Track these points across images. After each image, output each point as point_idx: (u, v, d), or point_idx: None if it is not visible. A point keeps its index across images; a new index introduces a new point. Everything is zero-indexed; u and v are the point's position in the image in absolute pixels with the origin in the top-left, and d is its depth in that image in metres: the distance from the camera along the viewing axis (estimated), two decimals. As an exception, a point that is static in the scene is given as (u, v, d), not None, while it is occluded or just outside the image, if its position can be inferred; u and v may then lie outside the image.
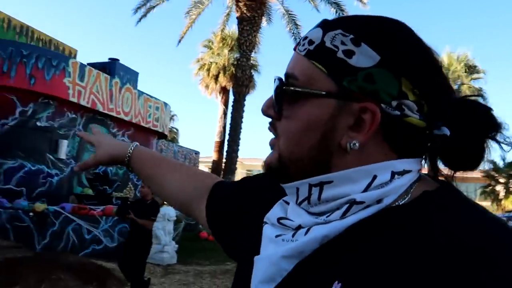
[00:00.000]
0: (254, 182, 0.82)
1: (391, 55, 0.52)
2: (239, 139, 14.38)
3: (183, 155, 19.77)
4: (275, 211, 0.64)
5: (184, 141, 57.61)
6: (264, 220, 0.64)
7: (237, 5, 12.08)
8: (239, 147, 14.48)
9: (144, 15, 13.16)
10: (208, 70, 21.87)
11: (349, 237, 0.52)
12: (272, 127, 0.61)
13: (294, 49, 0.60)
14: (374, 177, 0.53)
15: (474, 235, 0.45)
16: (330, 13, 13.03)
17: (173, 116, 34.11)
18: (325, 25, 0.57)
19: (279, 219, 0.61)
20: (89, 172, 10.53)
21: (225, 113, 20.75)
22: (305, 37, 0.58)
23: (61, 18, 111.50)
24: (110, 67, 13.34)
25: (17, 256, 6.39)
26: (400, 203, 0.53)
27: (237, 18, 12.18)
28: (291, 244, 0.56)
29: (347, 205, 0.53)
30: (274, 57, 78.40)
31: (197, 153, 20.99)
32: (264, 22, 14.75)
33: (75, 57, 18.39)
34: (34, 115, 10.35)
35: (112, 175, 11.44)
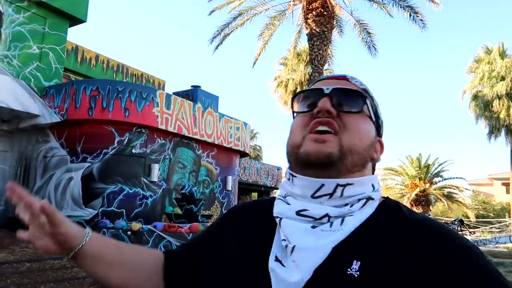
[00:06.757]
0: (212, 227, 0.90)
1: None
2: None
3: (265, 171, 20.21)
4: (284, 207, 0.73)
5: (269, 157, 58.55)
6: (276, 215, 0.73)
7: (306, 22, 12.27)
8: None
9: (220, 43, 13.92)
10: (286, 86, 22.16)
11: (364, 224, 0.70)
12: (330, 124, 0.73)
13: (347, 79, 0.82)
14: (372, 184, 0.76)
15: (423, 216, 0.73)
16: (403, 18, 12.59)
17: (255, 134, 35.14)
18: (354, 78, 0.82)
19: (298, 212, 0.70)
20: (178, 192, 11.38)
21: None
22: (352, 77, 0.82)
23: (152, 54, 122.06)
24: (193, 94, 14.19)
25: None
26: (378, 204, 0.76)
27: (306, 34, 12.33)
28: (336, 234, 0.67)
29: (364, 200, 0.72)
30: (350, 66, 76.82)
31: (279, 168, 21.30)
32: (336, 35, 14.72)
33: (163, 87, 20.10)
34: (129, 143, 11.43)
35: (198, 194, 12.19)
